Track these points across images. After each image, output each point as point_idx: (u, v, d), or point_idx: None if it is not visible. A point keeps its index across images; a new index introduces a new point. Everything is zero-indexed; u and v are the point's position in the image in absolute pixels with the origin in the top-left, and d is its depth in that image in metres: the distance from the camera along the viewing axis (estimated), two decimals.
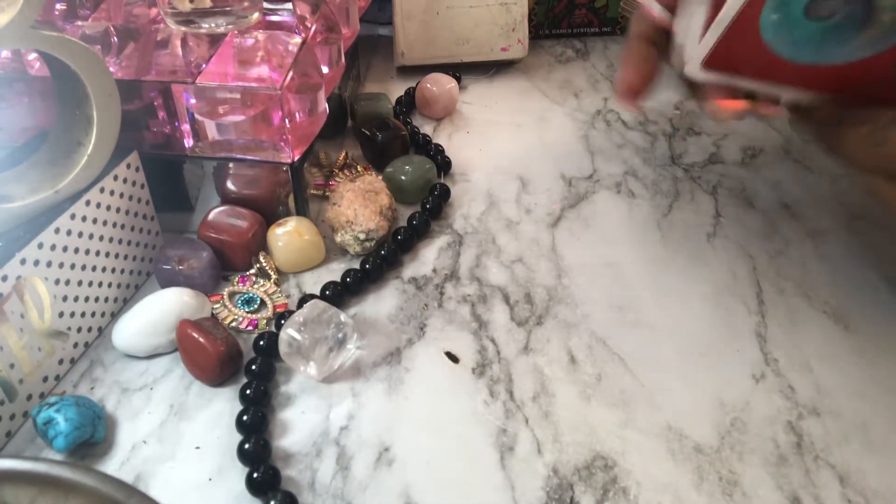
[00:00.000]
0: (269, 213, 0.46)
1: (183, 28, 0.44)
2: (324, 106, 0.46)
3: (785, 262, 0.46)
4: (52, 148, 0.38)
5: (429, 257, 0.47)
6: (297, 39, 0.44)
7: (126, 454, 0.36)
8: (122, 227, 0.41)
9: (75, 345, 0.39)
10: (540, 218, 0.50)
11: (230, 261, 0.45)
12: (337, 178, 0.52)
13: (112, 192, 0.40)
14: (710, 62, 0.35)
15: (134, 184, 0.42)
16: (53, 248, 0.36)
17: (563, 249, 0.47)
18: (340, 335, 0.39)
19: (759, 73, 0.35)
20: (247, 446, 0.35)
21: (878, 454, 0.36)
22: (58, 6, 0.45)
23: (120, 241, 0.41)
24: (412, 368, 0.40)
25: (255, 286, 0.44)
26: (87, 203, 0.38)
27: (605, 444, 0.36)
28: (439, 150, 0.54)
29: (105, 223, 0.40)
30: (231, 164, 0.44)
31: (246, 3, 0.44)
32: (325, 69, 0.48)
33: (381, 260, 0.45)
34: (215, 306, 0.43)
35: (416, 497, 0.34)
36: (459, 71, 0.63)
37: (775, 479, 0.34)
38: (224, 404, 0.38)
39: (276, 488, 0.33)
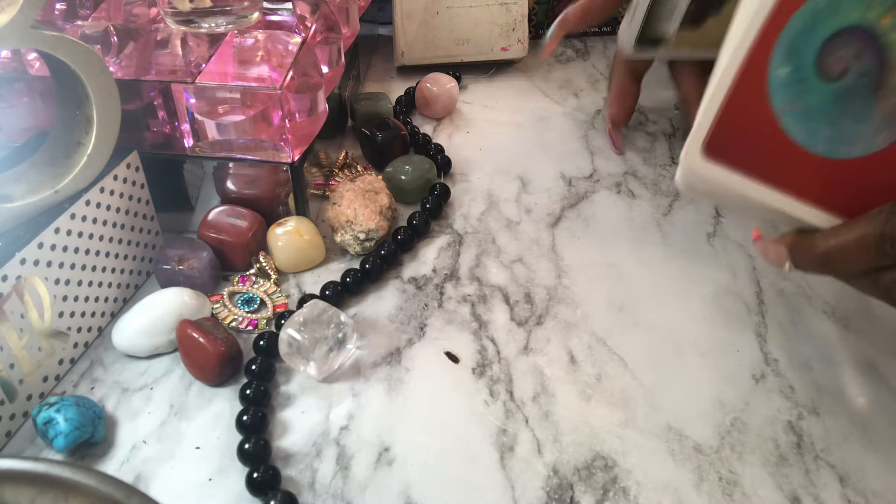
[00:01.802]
0: (269, 213, 0.46)
1: (183, 28, 0.44)
2: (324, 106, 0.46)
3: None
4: (52, 148, 0.38)
5: (429, 257, 0.47)
6: (297, 39, 0.44)
7: (126, 454, 0.36)
8: (122, 227, 0.41)
9: (75, 345, 0.39)
10: (540, 218, 0.50)
11: (230, 261, 0.45)
12: (337, 178, 0.52)
13: (112, 192, 0.40)
14: (713, 146, 0.31)
15: (134, 184, 0.42)
16: (53, 247, 0.36)
17: (563, 249, 0.47)
18: (340, 335, 0.39)
19: (771, 170, 0.31)
20: (247, 446, 0.35)
21: (878, 454, 0.36)
22: (58, 6, 0.45)
23: (120, 241, 0.41)
24: (412, 368, 0.40)
25: (255, 286, 0.44)
26: (87, 203, 0.38)
27: (605, 444, 0.36)
28: (439, 149, 0.54)
29: (105, 223, 0.40)
30: (231, 164, 0.44)
31: (246, 3, 0.44)
32: (325, 69, 0.48)
33: (381, 260, 0.45)
34: (215, 306, 0.43)
35: (416, 497, 0.34)
36: (459, 71, 0.63)
37: (775, 479, 0.34)
38: (224, 404, 0.38)
39: (276, 488, 0.33)
